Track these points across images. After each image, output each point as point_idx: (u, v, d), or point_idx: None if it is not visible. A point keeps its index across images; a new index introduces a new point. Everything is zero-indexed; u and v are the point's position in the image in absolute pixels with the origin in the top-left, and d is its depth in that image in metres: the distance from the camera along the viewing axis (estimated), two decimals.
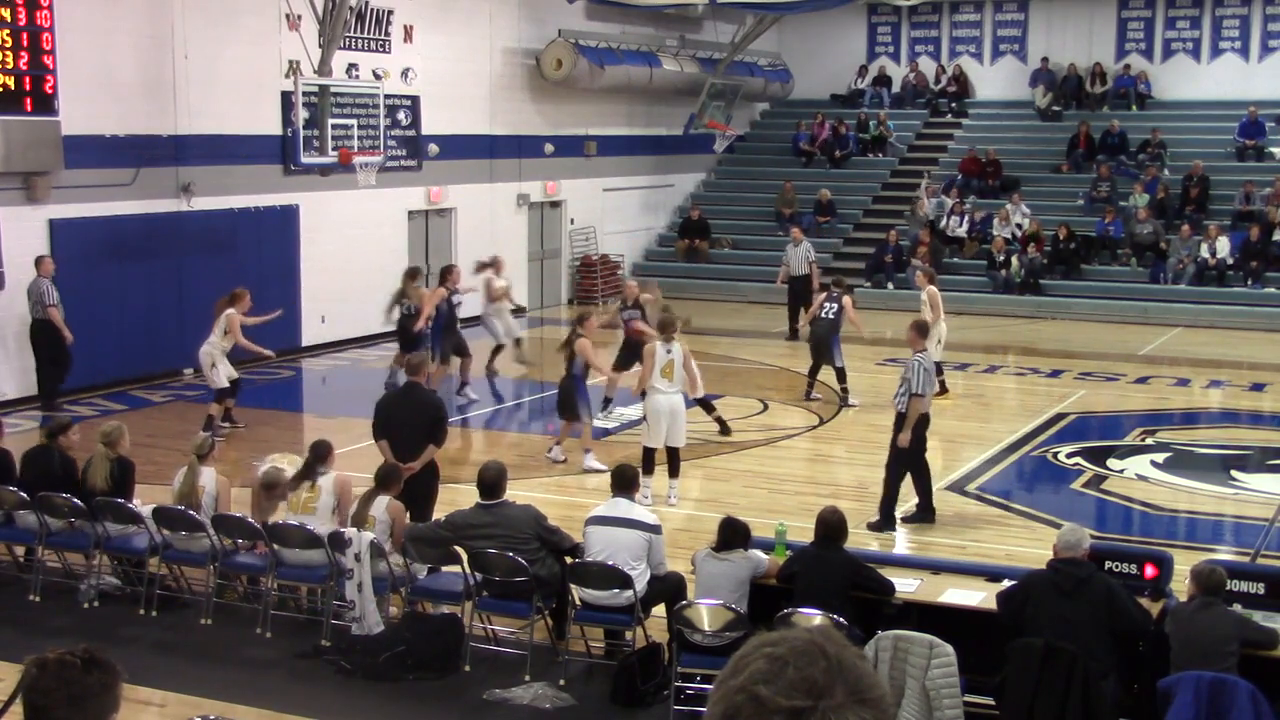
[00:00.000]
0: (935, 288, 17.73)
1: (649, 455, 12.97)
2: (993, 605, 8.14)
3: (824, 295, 18.10)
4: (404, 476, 10.17)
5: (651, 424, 12.97)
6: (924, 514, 12.33)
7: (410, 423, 10.97)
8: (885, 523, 12.10)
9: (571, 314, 15.49)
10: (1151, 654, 7.74)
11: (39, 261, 16.66)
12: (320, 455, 10.10)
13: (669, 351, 12.98)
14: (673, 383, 12.94)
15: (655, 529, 9.07)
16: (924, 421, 12.02)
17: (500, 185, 25.33)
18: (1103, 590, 7.60)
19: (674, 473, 13.06)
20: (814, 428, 16.52)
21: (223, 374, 15.43)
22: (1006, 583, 8.39)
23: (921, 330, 12.38)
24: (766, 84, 31.96)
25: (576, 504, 11.72)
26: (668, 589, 9.02)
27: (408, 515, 10.28)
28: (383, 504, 9.61)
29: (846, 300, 17.66)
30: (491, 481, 9.28)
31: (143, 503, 10.50)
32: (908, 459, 12.07)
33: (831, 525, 8.50)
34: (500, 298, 18.79)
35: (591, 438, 14.50)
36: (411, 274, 18.11)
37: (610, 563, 8.81)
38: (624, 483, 9.29)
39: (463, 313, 18.30)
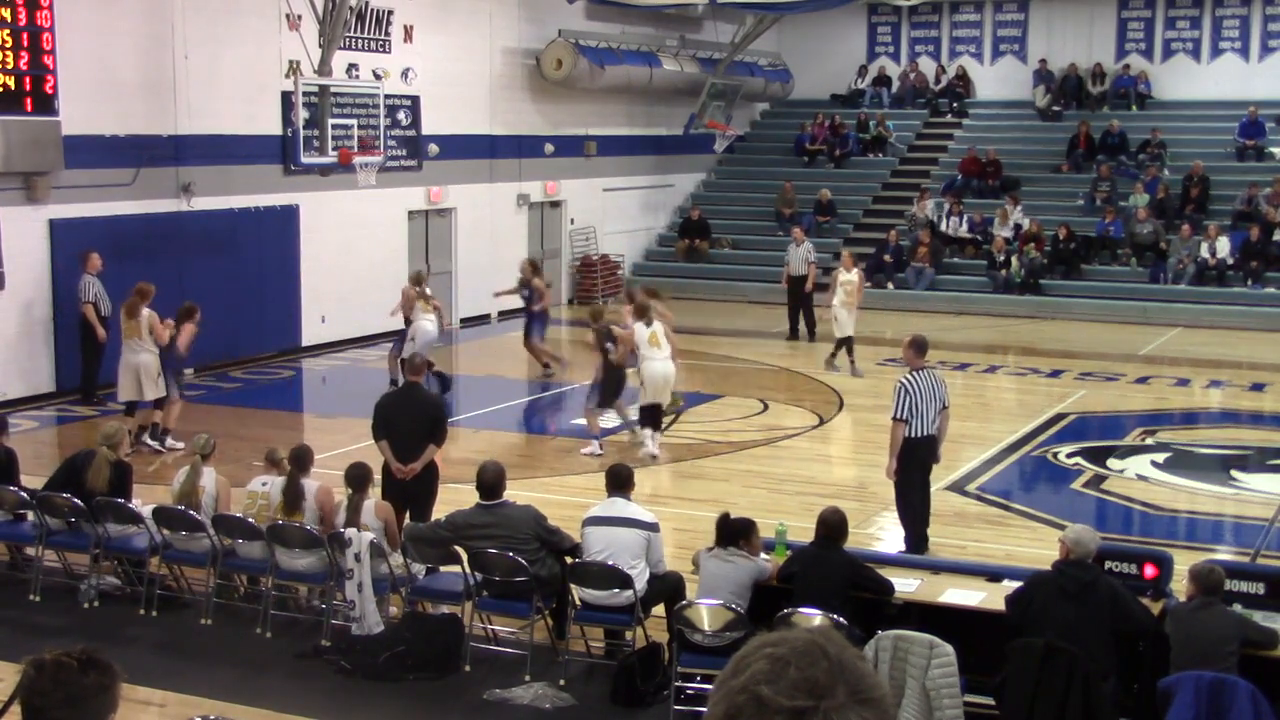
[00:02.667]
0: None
1: (655, 410, 14.63)
2: (992, 605, 8.15)
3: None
4: (372, 472, 10.09)
5: (649, 387, 14.52)
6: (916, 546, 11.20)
7: (410, 423, 10.96)
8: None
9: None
10: (1151, 654, 7.74)
11: (84, 257, 16.75)
12: (302, 464, 10.05)
13: (648, 326, 14.49)
14: (661, 349, 14.45)
15: (653, 527, 9.07)
16: (909, 449, 10.98)
17: (500, 185, 25.32)
18: (1107, 594, 7.58)
19: (656, 426, 14.72)
20: (814, 428, 16.51)
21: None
22: (1007, 582, 8.40)
23: (919, 347, 11.31)
24: (766, 84, 31.95)
25: (576, 504, 11.71)
26: (667, 588, 9.02)
27: (407, 515, 10.29)
28: (370, 508, 9.58)
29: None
30: (491, 482, 9.27)
31: (143, 503, 10.50)
32: (901, 488, 11.22)
33: (832, 525, 8.50)
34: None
35: None
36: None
37: (610, 562, 8.81)
38: (619, 482, 9.27)
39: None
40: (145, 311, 14.73)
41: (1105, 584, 7.67)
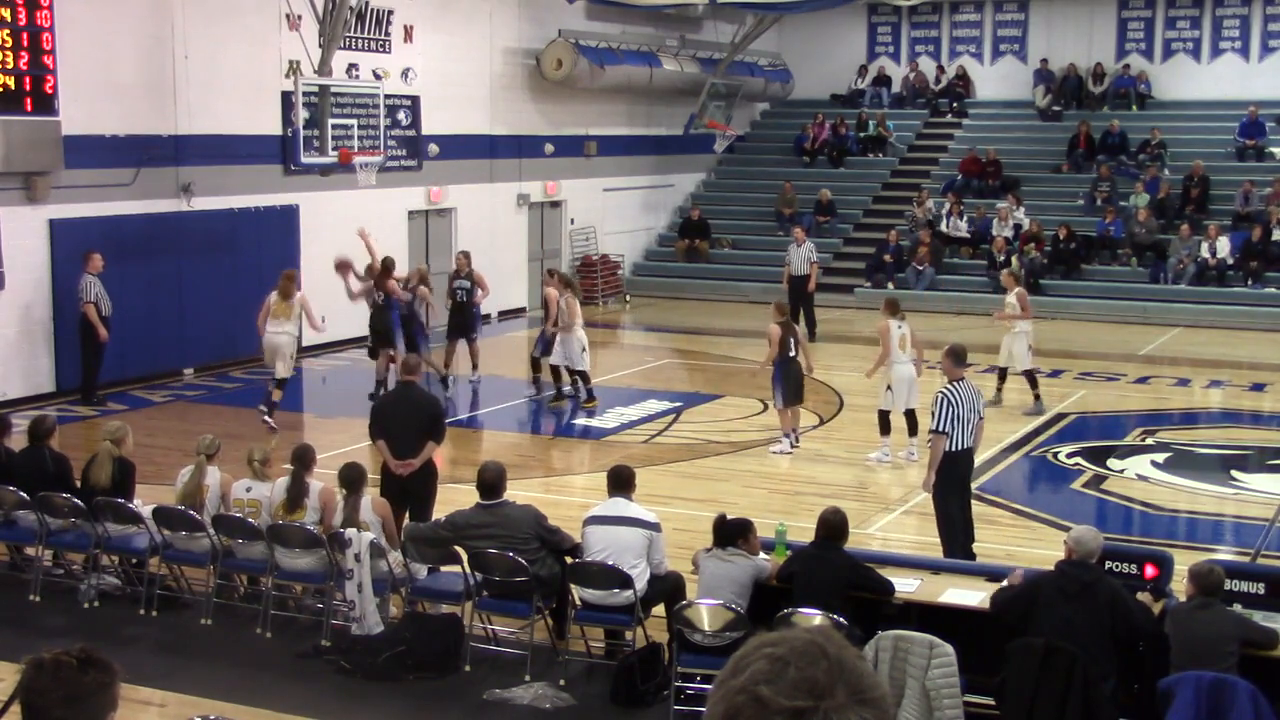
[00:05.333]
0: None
1: (885, 418, 14.68)
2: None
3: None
4: (366, 472, 10.07)
5: (896, 391, 14.53)
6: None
7: (408, 422, 10.96)
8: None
9: None
10: (1151, 654, 7.73)
11: (85, 257, 16.82)
12: (305, 463, 10.03)
13: (900, 326, 14.57)
14: (906, 353, 14.58)
15: (655, 526, 9.06)
16: (949, 462, 10.66)
17: (500, 185, 25.32)
18: (1107, 595, 7.57)
19: (914, 431, 14.48)
20: (814, 428, 16.50)
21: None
22: (1007, 583, 8.38)
23: (957, 356, 11.01)
24: (766, 84, 31.96)
25: (576, 504, 11.71)
26: (667, 588, 9.02)
27: (406, 514, 10.28)
28: (367, 504, 9.58)
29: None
30: (491, 482, 9.28)
31: (144, 503, 10.50)
32: (939, 502, 10.87)
33: (833, 525, 8.50)
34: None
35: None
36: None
37: (611, 562, 8.81)
38: (621, 482, 9.26)
39: None
40: (299, 294, 16.00)
41: (1106, 586, 7.65)
